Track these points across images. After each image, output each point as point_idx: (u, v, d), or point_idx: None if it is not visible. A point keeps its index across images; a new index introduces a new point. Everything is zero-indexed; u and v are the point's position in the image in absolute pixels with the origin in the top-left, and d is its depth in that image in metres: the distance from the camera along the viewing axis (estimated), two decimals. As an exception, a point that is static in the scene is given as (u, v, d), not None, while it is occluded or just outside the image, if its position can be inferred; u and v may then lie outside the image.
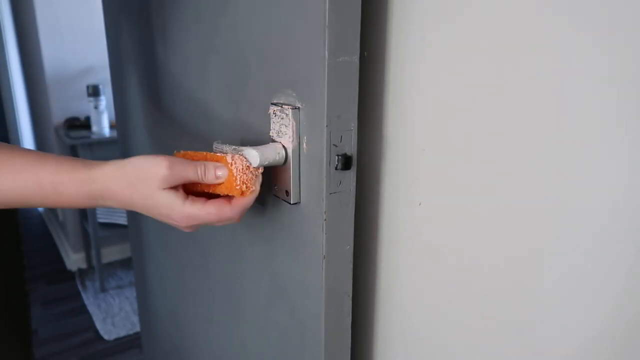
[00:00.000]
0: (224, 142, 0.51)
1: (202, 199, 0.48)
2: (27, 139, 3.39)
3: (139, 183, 0.47)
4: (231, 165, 0.47)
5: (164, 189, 0.47)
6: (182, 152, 0.52)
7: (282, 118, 0.48)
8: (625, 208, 0.32)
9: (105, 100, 2.19)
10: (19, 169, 0.47)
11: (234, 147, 0.49)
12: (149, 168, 0.46)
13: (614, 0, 0.31)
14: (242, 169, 0.47)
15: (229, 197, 0.49)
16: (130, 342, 2.02)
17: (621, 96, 0.31)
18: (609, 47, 0.31)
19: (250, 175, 0.48)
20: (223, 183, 0.48)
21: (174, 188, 0.48)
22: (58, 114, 2.37)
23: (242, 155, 0.48)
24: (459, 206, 0.44)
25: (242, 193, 0.48)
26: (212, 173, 0.48)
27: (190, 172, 0.47)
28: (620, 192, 0.32)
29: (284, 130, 0.48)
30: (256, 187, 0.49)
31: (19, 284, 0.89)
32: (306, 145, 0.47)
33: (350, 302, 0.52)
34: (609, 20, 0.31)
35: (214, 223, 0.50)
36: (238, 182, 0.47)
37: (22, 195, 0.47)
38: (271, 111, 0.49)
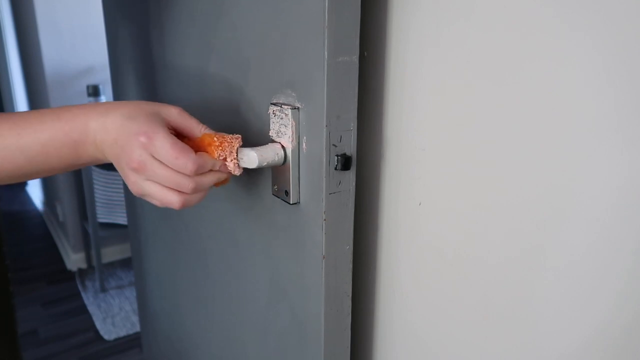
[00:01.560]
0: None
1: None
2: (27, 139, 3.38)
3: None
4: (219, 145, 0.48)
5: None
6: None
7: (282, 118, 0.48)
8: (625, 207, 0.32)
9: (105, 100, 2.19)
10: (37, 124, 0.47)
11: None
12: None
13: (613, 2, 0.31)
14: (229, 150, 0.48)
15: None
16: (130, 342, 2.02)
17: (622, 96, 0.31)
18: (609, 47, 0.31)
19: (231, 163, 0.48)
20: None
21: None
22: (58, 114, 2.36)
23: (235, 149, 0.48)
24: (459, 206, 0.44)
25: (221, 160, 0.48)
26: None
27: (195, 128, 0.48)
28: (620, 192, 0.32)
29: (283, 130, 0.48)
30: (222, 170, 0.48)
31: (2, 284, 0.88)
32: (306, 145, 0.47)
33: (350, 302, 0.52)
34: (609, 22, 0.31)
35: (166, 159, 0.46)
36: (218, 153, 0.48)
37: (44, 148, 0.47)
38: (271, 111, 0.49)
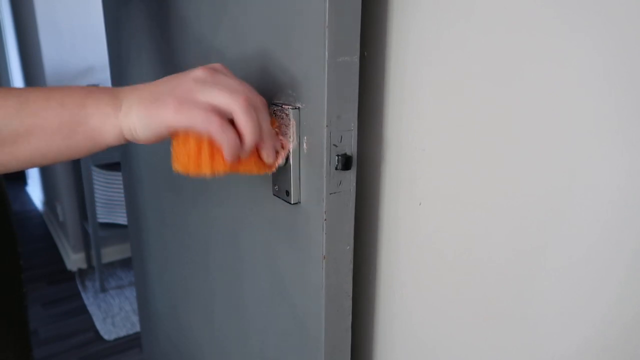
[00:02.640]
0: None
1: None
2: (27, 139, 3.38)
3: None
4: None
5: None
6: None
7: (282, 118, 0.48)
8: (625, 208, 0.32)
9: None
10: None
11: None
12: None
13: (613, 3, 0.31)
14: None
15: None
16: (130, 342, 2.02)
17: (622, 96, 0.31)
18: (609, 48, 0.31)
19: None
20: None
21: None
22: (58, 114, 2.36)
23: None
24: (459, 206, 0.44)
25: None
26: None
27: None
28: (621, 192, 0.32)
29: (284, 131, 0.48)
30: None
31: (16, 285, 0.88)
32: (306, 145, 0.47)
33: (350, 302, 0.52)
34: (609, 23, 0.31)
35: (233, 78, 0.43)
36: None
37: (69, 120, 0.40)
38: (271, 111, 0.49)
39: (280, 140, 0.48)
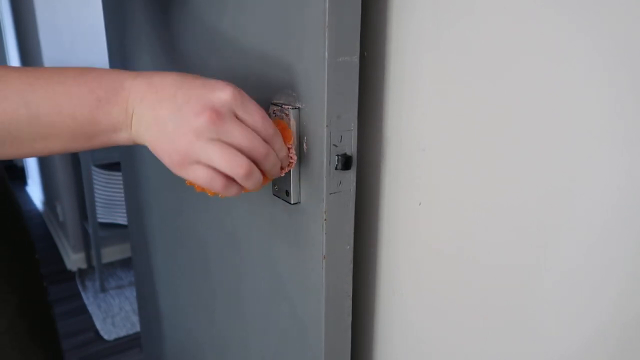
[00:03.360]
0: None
1: None
2: (27, 139, 3.38)
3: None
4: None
5: None
6: None
7: (282, 118, 0.48)
8: (625, 208, 0.32)
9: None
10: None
11: None
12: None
13: (614, 2, 0.31)
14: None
15: None
16: (130, 342, 2.02)
17: (622, 96, 0.31)
18: (610, 48, 0.31)
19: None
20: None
21: None
22: (58, 114, 2.36)
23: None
24: (459, 206, 0.44)
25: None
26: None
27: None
28: (621, 192, 0.32)
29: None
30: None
31: (37, 280, 0.85)
32: (306, 145, 0.47)
33: (350, 302, 0.52)
34: (610, 23, 0.31)
35: (252, 117, 0.40)
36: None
37: (57, 104, 0.39)
38: (271, 111, 0.49)
39: (290, 157, 0.47)
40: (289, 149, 0.47)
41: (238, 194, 0.42)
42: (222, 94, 0.38)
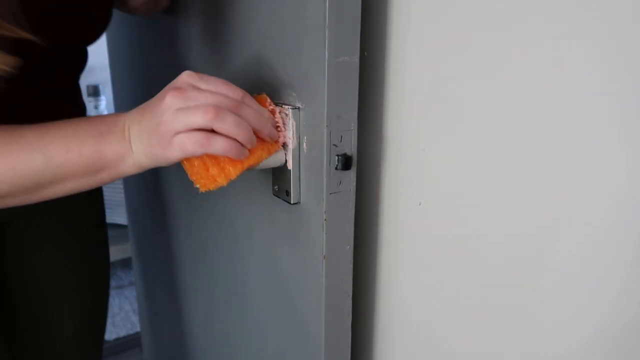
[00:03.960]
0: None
1: None
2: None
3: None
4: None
5: None
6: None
7: (283, 118, 0.48)
8: (625, 207, 0.32)
9: (105, 100, 2.19)
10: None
11: None
12: None
13: (614, 3, 0.31)
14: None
15: None
16: (130, 342, 2.02)
17: (623, 96, 0.31)
18: (610, 48, 0.31)
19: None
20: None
21: None
22: (58, 114, 2.36)
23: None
24: (459, 206, 0.44)
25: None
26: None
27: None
28: (621, 192, 0.32)
29: (283, 130, 0.48)
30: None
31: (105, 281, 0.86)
32: (306, 145, 0.47)
33: (350, 302, 0.52)
34: (610, 22, 0.31)
35: (214, 84, 0.43)
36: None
37: (66, 142, 0.44)
38: (270, 110, 0.49)
39: (276, 118, 0.48)
40: (270, 111, 0.47)
41: (231, 151, 0.42)
42: (180, 77, 0.43)
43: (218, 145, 0.42)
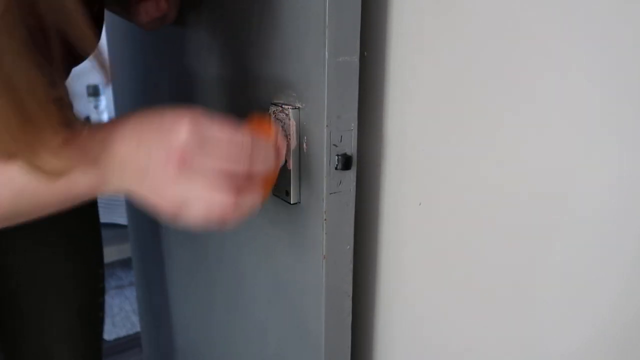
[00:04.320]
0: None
1: None
2: (27, 139, 3.38)
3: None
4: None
5: None
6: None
7: (282, 118, 0.48)
8: (625, 207, 0.32)
9: (105, 100, 2.19)
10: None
11: None
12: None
13: (614, 3, 0.31)
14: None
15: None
16: (130, 342, 2.02)
17: (623, 96, 0.31)
18: (610, 47, 0.31)
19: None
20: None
21: None
22: (58, 114, 2.36)
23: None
24: (459, 206, 0.44)
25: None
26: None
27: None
28: (621, 191, 0.32)
29: (283, 131, 0.48)
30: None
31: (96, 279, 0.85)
32: (306, 145, 0.47)
33: (350, 302, 0.52)
34: (610, 22, 0.31)
35: (221, 136, 0.37)
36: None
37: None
38: (271, 111, 0.49)
39: (278, 147, 0.45)
40: (276, 144, 0.45)
41: (243, 216, 0.40)
42: (179, 135, 0.37)
43: (233, 218, 0.39)
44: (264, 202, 0.46)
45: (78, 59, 0.50)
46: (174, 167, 0.37)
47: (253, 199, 0.40)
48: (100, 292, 0.84)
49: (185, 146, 0.36)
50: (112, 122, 0.40)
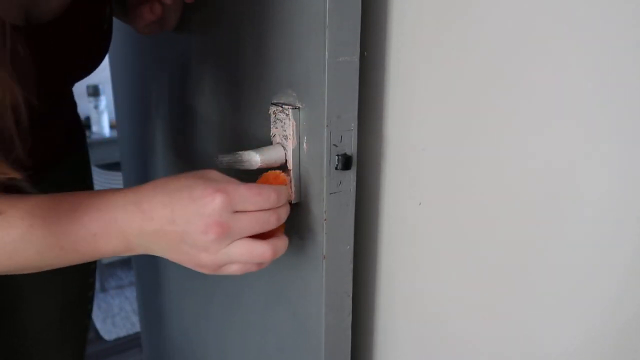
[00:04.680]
0: (226, 151, 0.51)
1: None
2: (27, 139, 3.38)
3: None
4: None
5: None
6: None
7: (282, 118, 0.48)
8: (624, 207, 0.32)
9: (105, 100, 2.19)
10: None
11: (234, 152, 0.49)
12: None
13: (614, 2, 0.31)
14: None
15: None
16: (130, 342, 2.02)
17: (622, 94, 0.31)
18: (610, 47, 0.31)
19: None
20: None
21: None
22: (58, 114, 2.36)
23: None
24: (459, 206, 0.44)
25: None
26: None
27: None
28: (621, 191, 0.32)
29: (284, 131, 0.48)
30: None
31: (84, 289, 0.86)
32: (306, 145, 0.47)
33: (350, 302, 0.52)
34: (610, 21, 0.31)
35: (250, 202, 0.41)
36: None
37: (58, 240, 0.42)
38: (271, 111, 0.49)
39: (288, 189, 0.49)
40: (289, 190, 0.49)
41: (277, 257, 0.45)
42: (214, 204, 0.40)
43: (266, 265, 0.45)
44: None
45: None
46: (213, 234, 0.40)
47: (284, 240, 0.45)
48: (90, 286, 0.85)
49: (221, 212, 0.40)
50: (135, 193, 0.43)
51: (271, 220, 0.43)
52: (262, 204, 0.42)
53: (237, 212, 0.41)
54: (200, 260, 0.42)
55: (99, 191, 0.44)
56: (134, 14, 0.60)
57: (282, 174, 0.49)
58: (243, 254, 0.42)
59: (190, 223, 0.40)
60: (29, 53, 0.41)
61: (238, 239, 0.42)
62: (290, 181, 0.49)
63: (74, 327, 0.84)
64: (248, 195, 0.41)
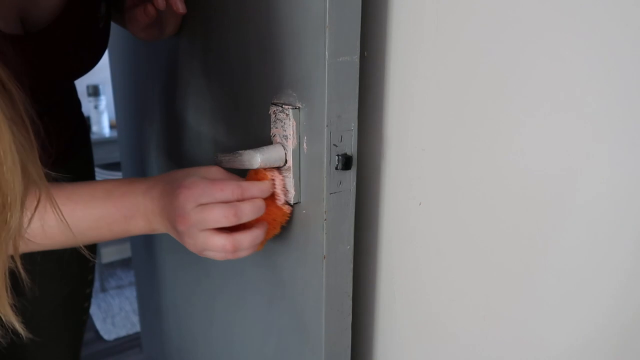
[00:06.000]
0: (226, 151, 0.51)
1: None
2: (27, 139, 3.38)
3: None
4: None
5: None
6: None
7: (283, 118, 0.48)
8: (624, 207, 0.32)
9: (105, 100, 2.19)
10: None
11: (235, 152, 0.49)
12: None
13: (614, 2, 0.31)
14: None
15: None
16: (130, 342, 2.02)
17: (622, 95, 0.31)
18: (610, 47, 0.31)
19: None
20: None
21: None
22: (58, 114, 2.36)
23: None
24: (459, 206, 0.44)
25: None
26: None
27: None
28: (621, 191, 0.32)
29: (284, 131, 0.48)
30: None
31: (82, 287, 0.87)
32: (306, 145, 0.47)
33: (350, 302, 0.52)
34: (610, 21, 0.31)
35: (211, 196, 0.45)
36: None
37: (96, 223, 0.49)
38: (271, 111, 0.49)
39: (276, 186, 0.50)
40: (273, 184, 0.50)
41: (252, 249, 0.48)
42: (178, 199, 0.45)
43: (244, 253, 0.48)
44: (272, 237, 0.52)
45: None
46: (180, 227, 0.46)
47: (251, 234, 0.47)
48: (89, 283, 0.86)
49: (183, 209, 0.45)
50: (151, 181, 0.50)
51: (230, 214, 0.45)
52: (224, 198, 0.45)
53: (201, 205, 0.45)
54: (188, 245, 0.48)
55: (125, 179, 0.51)
56: (128, 17, 0.61)
57: (265, 171, 0.49)
58: (207, 244, 0.46)
59: (169, 213, 0.47)
60: (19, 55, 0.45)
61: (205, 230, 0.45)
62: (283, 179, 0.49)
63: (73, 317, 0.85)
64: (211, 190, 0.45)
